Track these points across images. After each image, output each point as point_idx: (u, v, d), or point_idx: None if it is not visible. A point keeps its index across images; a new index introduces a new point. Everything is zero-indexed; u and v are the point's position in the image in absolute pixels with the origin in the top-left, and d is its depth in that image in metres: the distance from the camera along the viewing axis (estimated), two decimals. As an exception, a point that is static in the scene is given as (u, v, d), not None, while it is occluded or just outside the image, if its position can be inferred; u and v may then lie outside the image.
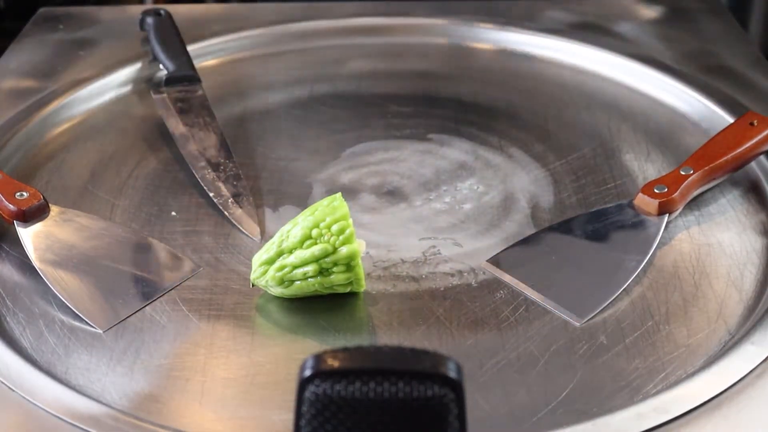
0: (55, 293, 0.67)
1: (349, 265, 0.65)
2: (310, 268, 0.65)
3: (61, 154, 0.86)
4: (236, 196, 0.77)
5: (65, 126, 0.89)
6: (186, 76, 0.91)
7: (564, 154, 0.83)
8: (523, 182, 0.80)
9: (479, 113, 0.90)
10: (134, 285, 0.69)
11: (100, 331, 0.65)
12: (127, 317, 0.66)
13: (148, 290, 0.69)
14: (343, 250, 0.64)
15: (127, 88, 0.95)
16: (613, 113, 0.90)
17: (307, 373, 0.45)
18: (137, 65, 0.96)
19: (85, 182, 0.81)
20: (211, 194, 0.78)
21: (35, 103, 0.90)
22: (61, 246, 0.71)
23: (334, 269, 0.65)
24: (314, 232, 0.65)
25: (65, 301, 0.67)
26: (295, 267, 0.65)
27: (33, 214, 0.72)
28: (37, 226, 0.72)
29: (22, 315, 0.67)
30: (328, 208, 0.66)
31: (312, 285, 0.65)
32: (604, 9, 1.09)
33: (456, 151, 0.84)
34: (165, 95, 0.88)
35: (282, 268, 0.66)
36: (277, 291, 0.67)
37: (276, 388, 0.61)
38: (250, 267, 0.71)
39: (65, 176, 0.82)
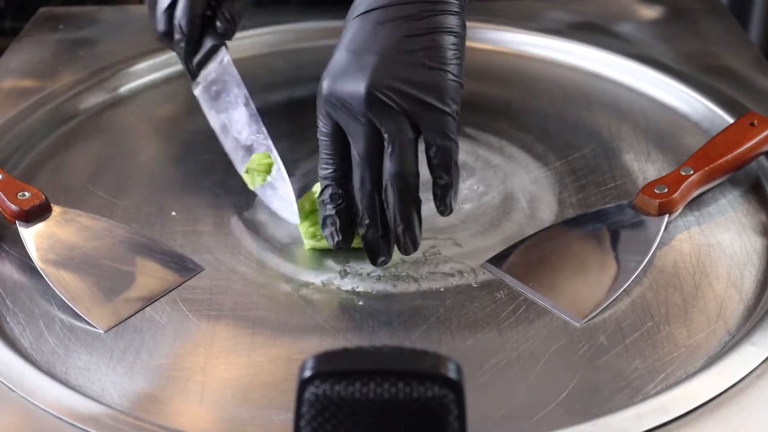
0: (55, 293, 0.67)
1: None
2: None
3: (62, 154, 0.86)
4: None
5: (65, 126, 0.89)
6: (209, 51, 0.84)
7: (564, 154, 0.83)
8: (523, 182, 0.80)
9: (479, 113, 0.90)
10: (135, 285, 0.69)
11: (101, 331, 0.65)
12: (128, 317, 0.66)
13: (149, 290, 0.69)
14: None
15: (128, 88, 0.95)
16: (613, 113, 0.90)
17: (307, 373, 0.45)
18: (137, 65, 0.96)
19: (85, 182, 0.81)
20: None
21: (35, 103, 0.90)
22: (63, 246, 0.71)
23: None
24: None
25: (67, 301, 0.67)
26: None
27: (35, 214, 0.72)
28: (39, 226, 0.72)
29: (22, 315, 0.67)
30: None
31: None
32: (604, 9, 1.09)
33: (456, 151, 0.84)
34: (201, 84, 0.84)
35: (315, 223, 0.71)
36: (309, 243, 0.72)
37: (276, 388, 0.61)
38: (249, 267, 0.71)
39: (66, 176, 0.83)
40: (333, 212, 0.67)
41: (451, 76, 0.65)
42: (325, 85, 0.66)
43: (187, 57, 0.83)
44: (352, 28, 0.67)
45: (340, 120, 0.66)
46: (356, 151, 0.66)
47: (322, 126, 0.67)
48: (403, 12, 0.65)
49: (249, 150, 0.79)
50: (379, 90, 0.63)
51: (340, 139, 0.67)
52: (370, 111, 0.64)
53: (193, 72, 0.83)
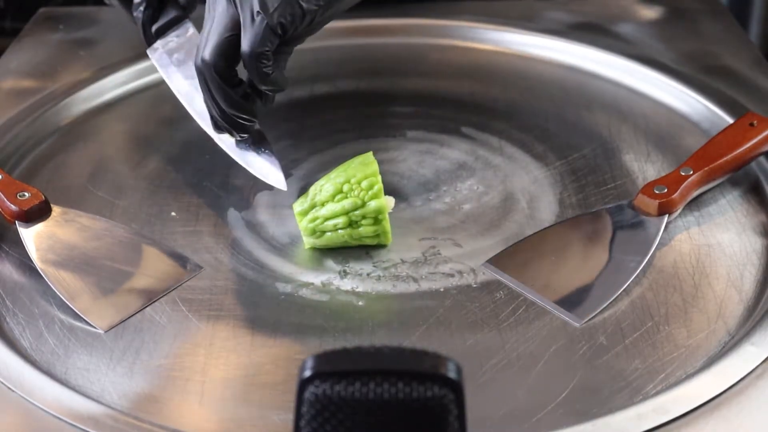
0: (55, 293, 0.67)
1: (376, 218, 0.70)
2: (340, 221, 0.69)
3: (61, 154, 0.86)
4: (257, 150, 0.77)
5: (65, 126, 0.89)
6: (171, 20, 0.86)
7: (564, 154, 0.83)
8: (523, 182, 0.80)
9: (479, 113, 0.90)
10: (135, 285, 0.69)
11: (101, 331, 0.65)
12: (128, 317, 0.66)
13: (149, 290, 0.69)
14: (372, 205, 0.69)
15: (127, 88, 0.95)
16: (613, 114, 0.90)
17: (307, 373, 0.45)
18: (137, 65, 0.96)
19: (85, 182, 0.81)
20: (228, 152, 0.78)
21: (35, 103, 0.90)
22: (63, 246, 0.71)
23: (363, 222, 0.70)
24: (345, 187, 0.70)
25: (67, 302, 0.67)
26: (327, 219, 0.70)
27: (35, 215, 0.72)
28: (39, 227, 0.72)
29: (22, 315, 0.67)
30: (360, 166, 0.70)
31: (342, 236, 0.70)
32: (604, 9, 1.09)
33: (456, 151, 0.84)
34: (159, 50, 0.85)
35: (314, 219, 0.70)
36: (309, 241, 0.71)
37: (276, 388, 0.61)
38: (249, 267, 0.71)
39: (65, 176, 0.83)
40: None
41: None
42: None
43: (145, 22, 0.84)
44: None
45: None
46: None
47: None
48: None
49: None
50: None
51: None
52: None
53: (149, 38, 0.85)
